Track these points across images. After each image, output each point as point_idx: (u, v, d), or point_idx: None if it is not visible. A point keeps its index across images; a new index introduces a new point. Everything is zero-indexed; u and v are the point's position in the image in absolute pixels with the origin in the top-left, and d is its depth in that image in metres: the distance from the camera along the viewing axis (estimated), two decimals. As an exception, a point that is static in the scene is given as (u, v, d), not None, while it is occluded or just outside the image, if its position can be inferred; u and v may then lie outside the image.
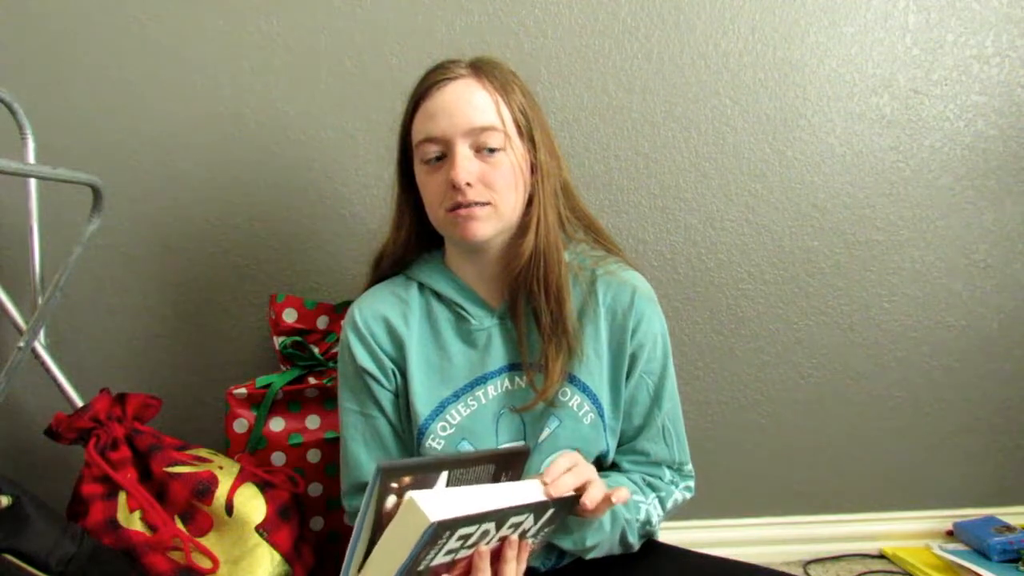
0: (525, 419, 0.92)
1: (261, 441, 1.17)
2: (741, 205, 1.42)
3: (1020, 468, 1.54)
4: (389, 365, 0.93)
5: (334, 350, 1.24)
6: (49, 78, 1.26)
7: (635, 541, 0.91)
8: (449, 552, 0.67)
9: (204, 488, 1.02)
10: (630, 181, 1.40)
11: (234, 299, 1.33)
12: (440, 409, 0.91)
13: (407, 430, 0.94)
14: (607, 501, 0.77)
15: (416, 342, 0.93)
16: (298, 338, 1.23)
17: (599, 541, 0.86)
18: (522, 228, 0.90)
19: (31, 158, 1.16)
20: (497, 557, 0.73)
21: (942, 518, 1.52)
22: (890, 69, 1.43)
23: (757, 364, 1.47)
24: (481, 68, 0.89)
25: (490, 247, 0.92)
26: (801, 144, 1.43)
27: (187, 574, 0.97)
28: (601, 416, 0.92)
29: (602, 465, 0.96)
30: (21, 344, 1.11)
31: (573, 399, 0.91)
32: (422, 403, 0.91)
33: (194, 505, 1.02)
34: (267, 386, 1.17)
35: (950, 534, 1.51)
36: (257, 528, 1.02)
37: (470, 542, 0.68)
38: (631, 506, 0.89)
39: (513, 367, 0.93)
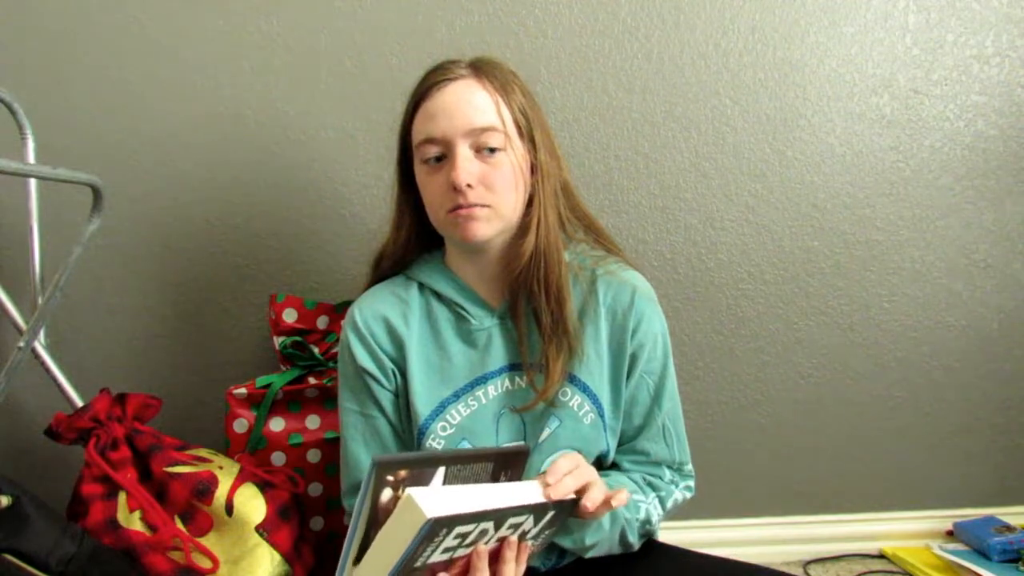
0: (525, 419, 0.92)
1: (261, 441, 1.17)
2: (741, 205, 1.42)
3: (1020, 468, 1.54)
4: (389, 365, 0.93)
5: (334, 350, 1.24)
6: (49, 78, 1.26)
7: (635, 540, 0.91)
8: (447, 550, 0.67)
9: (204, 488, 1.02)
10: (630, 181, 1.40)
11: (234, 299, 1.33)
12: (440, 409, 0.91)
13: (407, 430, 0.94)
14: (607, 503, 0.77)
15: (416, 342, 0.93)
16: (298, 338, 1.23)
17: (598, 540, 0.86)
18: (522, 228, 0.91)
19: (31, 158, 1.16)
20: (496, 557, 0.73)
21: (942, 518, 1.52)
22: (890, 69, 1.43)
23: (757, 364, 1.47)
24: (481, 68, 0.89)
25: (490, 247, 0.92)
26: (801, 144, 1.43)
27: (187, 574, 0.97)
28: (601, 416, 0.92)
29: (602, 465, 0.96)
30: (21, 344, 1.11)
31: (573, 399, 0.91)
32: (422, 403, 0.91)
33: (194, 505, 1.02)
34: (267, 386, 1.17)
35: (950, 534, 1.51)
36: (257, 528, 1.02)
37: (468, 540, 0.68)
38: (631, 505, 0.89)
39: (513, 367, 0.93)
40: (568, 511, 0.78)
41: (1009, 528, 1.43)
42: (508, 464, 0.77)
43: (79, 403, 1.15)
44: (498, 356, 0.93)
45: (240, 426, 1.17)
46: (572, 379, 0.91)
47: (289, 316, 1.24)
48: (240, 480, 1.05)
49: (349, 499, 0.96)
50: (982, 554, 1.40)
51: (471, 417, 0.91)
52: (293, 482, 1.12)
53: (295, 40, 1.30)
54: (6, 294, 1.17)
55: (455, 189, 0.85)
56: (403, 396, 0.93)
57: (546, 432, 0.91)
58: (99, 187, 1.04)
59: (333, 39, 1.31)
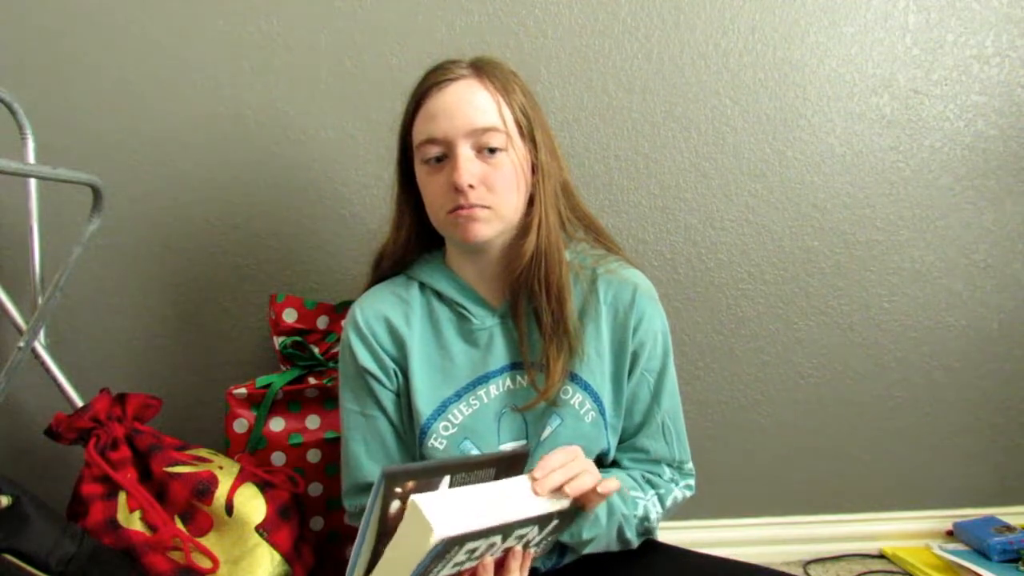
0: (527, 418, 0.92)
1: (261, 441, 1.17)
2: (741, 205, 1.43)
3: (1020, 468, 1.54)
4: (391, 365, 0.93)
5: (334, 350, 1.24)
6: (49, 78, 1.26)
7: (633, 538, 0.91)
8: (456, 564, 0.67)
9: (204, 488, 1.02)
10: (630, 181, 1.40)
11: (234, 299, 1.33)
12: (442, 409, 0.91)
13: (408, 430, 0.94)
14: (597, 493, 0.76)
15: (418, 342, 0.93)
16: (298, 338, 1.23)
17: (595, 535, 0.86)
18: (523, 228, 0.91)
19: (31, 158, 1.16)
20: (500, 566, 0.73)
21: (942, 518, 1.52)
22: (890, 69, 1.43)
23: (757, 364, 1.47)
24: (482, 68, 0.89)
25: (491, 247, 0.92)
26: (801, 144, 1.43)
27: (187, 574, 0.97)
28: (602, 414, 0.92)
29: (603, 463, 0.97)
30: (21, 344, 1.11)
31: (575, 397, 0.91)
32: (424, 403, 0.91)
33: (194, 505, 1.02)
34: (267, 386, 1.17)
35: (950, 534, 1.51)
36: (257, 528, 1.02)
37: (476, 554, 0.68)
38: (629, 502, 0.89)
39: (515, 366, 0.93)
40: (571, 518, 0.78)
41: (1009, 528, 1.43)
42: (510, 467, 0.77)
43: (79, 403, 1.15)
44: (499, 355, 0.93)
45: (240, 426, 1.17)
46: (573, 378, 0.91)
47: (289, 316, 1.24)
48: (240, 480, 1.05)
49: (350, 499, 0.96)
50: (982, 554, 1.40)
51: (473, 416, 0.91)
52: (293, 482, 1.12)
53: (295, 40, 1.30)
54: (6, 294, 1.17)
55: (456, 189, 0.85)
56: (405, 396, 0.93)
57: (548, 431, 0.91)
58: (99, 187, 1.04)
59: (333, 39, 1.31)
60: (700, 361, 1.46)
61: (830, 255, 1.46)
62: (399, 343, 0.93)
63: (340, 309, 1.26)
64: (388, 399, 0.94)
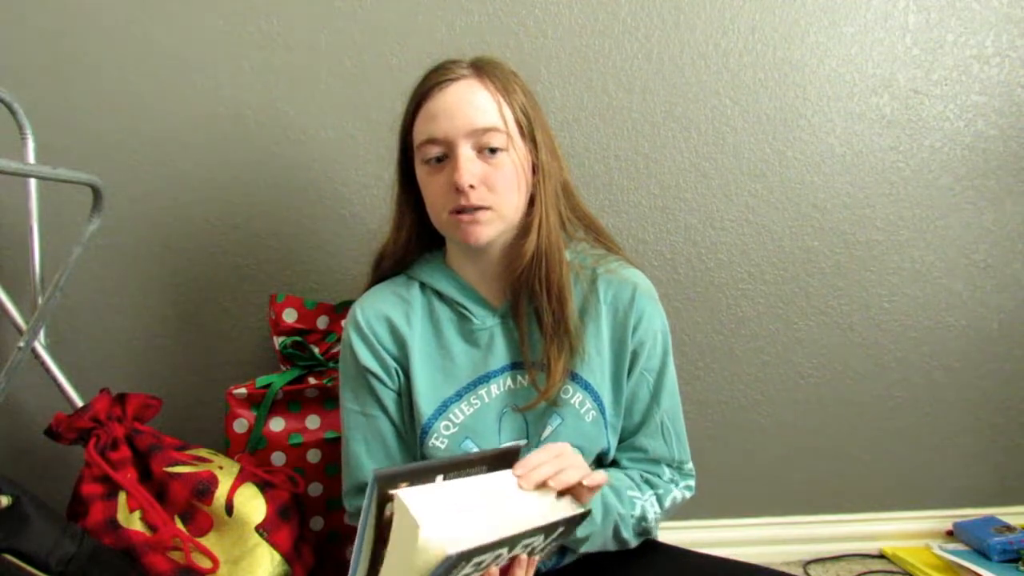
0: (528, 417, 0.92)
1: (261, 441, 1.17)
2: (741, 205, 1.43)
3: (1020, 468, 1.54)
4: (392, 364, 0.93)
5: (334, 350, 1.24)
6: (49, 78, 1.26)
7: (630, 537, 0.91)
8: None
9: (204, 488, 1.02)
10: (630, 181, 1.40)
11: (234, 299, 1.33)
12: (443, 408, 0.91)
13: (409, 430, 0.94)
14: (584, 487, 0.76)
15: (419, 341, 0.93)
16: (298, 338, 1.23)
17: (590, 533, 0.86)
18: (524, 228, 0.91)
19: (31, 158, 1.16)
20: (505, 573, 0.73)
21: (942, 518, 1.52)
22: (890, 69, 1.43)
23: (757, 364, 1.47)
24: (483, 68, 0.89)
25: (492, 247, 0.92)
26: (801, 144, 1.43)
27: (187, 574, 0.97)
28: (603, 413, 0.92)
29: (603, 462, 0.97)
30: (21, 344, 1.11)
31: (575, 397, 0.91)
32: (425, 402, 0.91)
33: (194, 505, 1.02)
34: (267, 386, 1.17)
35: (950, 534, 1.51)
36: (257, 528, 1.02)
37: (483, 565, 0.68)
38: (626, 502, 0.89)
39: (515, 366, 0.93)
40: (576, 525, 0.78)
41: (1009, 528, 1.43)
42: (504, 463, 0.77)
43: (79, 403, 1.15)
44: (500, 355, 0.93)
45: (240, 426, 1.17)
46: (574, 377, 0.91)
47: (289, 316, 1.24)
48: (240, 480, 1.05)
49: (350, 499, 0.96)
50: (982, 554, 1.40)
51: (474, 416, 0.91)
52: (293, 482, 1.12)
53: (295, 40, 1.30)
54: (6, 294, 1.17)
55: (457, 190, 0.85)
56: (406, 395, 0.93)
57: (548, 430, 0.91)
58: (99, 187, 1.04)
59: (333, 39, 1.31)
60: (700, 361, 1.46)
61: (830, 255, 1.46)
62: (400, 342, 0.93)
63: (340, 309, 1.26)
64: (389, 398, 0.94)
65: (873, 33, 1.42)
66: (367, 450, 0.94)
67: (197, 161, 1.30)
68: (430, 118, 0.87)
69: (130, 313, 1.31)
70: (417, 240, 0.98)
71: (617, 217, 1.40)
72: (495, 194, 0.87)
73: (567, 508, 0.75)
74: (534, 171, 0.91)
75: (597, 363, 0.92)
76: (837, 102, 1.42)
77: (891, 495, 1.52)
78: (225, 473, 1.05)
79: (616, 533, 0.89)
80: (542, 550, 0.77)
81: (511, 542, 0.68)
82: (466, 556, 0.62)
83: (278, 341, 1.23)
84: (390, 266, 0.99)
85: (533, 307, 0.91)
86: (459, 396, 0.92)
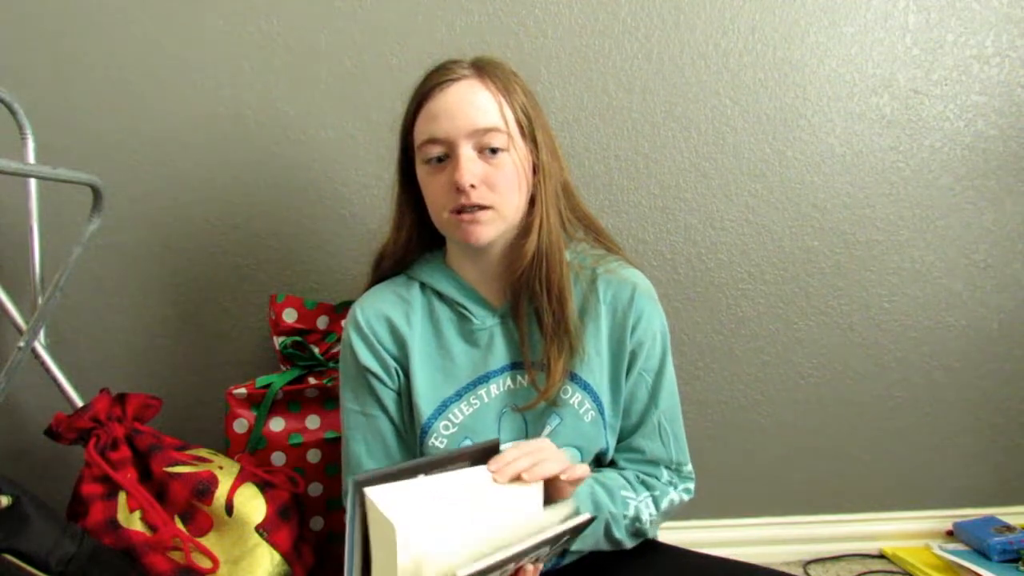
0: (527, 417, 0.92)
1: (261, 441, 1.17)
2: (741, 205, 1.43)
3: (1020, 468, 1.54)
4: (392, 364, 0.93)
5: (334, 350, 1.24)
6: (49, 78, 1.26)
7: (623, 538, 0.91)
8: None
9: (204, 488, 1.02)
10: (630, 181, 1.40)
11: (234, 299, 1.33)
12: (443, 408, 0.91)
13: (409, 430, 0.94)
14: (562, 481, 0.76)
15: (419, 341, 0.93)
16: (298, 338, 1.23)
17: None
18: (524, 229, 0.91)
19: (31, 158, 1.16)
20: None
21: (942, 518, 1.52)
22: (890, 69, 1.43)
23: (757, 364, 1.47)
24: (484, 69, 0.89)
25: (492, 248, 0.92)
26: (801, 144, 1.43)
27: (187, 574, 0.97)
28: (601, 414, 0.92)
29: (602, 463, 0.97)
30: (21, 344, 1.11)
31: (574, 397, 0.91)
32: (425, 402, 0.91)
33: (194, 505, 1.02)
34: (267, 386, 1.17)
35: (950, 534, 1.51)
36: (257, 528, 1.02)
37: None
38: (618, 502, 0.89)
39: (515, 366, 0.93)
40: (581, 531, 0.78)
41: (1009, 528, 1.43)
42: (484, 460, 0.77)
43: (79, 403, 1.15)
44: (500, 355, 0.93)
45: (240, 426, 1.17)
46: (573, 377, 0.91)
47: (289, 316, 1.24)
48: (240, 480, 1.05)
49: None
50: (982, 554, 1.40)
51: (473, 416, 0.91)
52: (293, 482, 1.12)
53: (295, 40, 1.30)
54: (6, 294, 1.17)
55: (458, 189, 0.85)
56: (405, 395, 0.93)
57: (547, 430, 0.91)
58: (99, 187, 1.04)
59: (333, 39, 1.31)
60: (700, 361, 1.46)
61: (830, 255, 1.46)
62: (400, 342, 0.93)
63: (340, 309, 1.26)
64: (389, 398, 0.94)
65: (873, 33, 1.42)
66: (367, 450, 0.94)
67: (197, 161, 1.30)
68: (431, 118, 0.87)
69: (130, 313, 1.31)
70: (417, 240, 0.98)
71: (617, 217, 1.40)
72: (496, 194, 0.87)
73: (575, 516, 0.75)
74: (535, 171, 0.91)
75: (596, 363, 0.92)
76: (837, 102, 1.42)
77: (891, 495, 1.52)
78: (225, 473, 1.05)
79: (608, 533, 0.89)
80: (547, 555, 0.77)
81: (519, 557, 0.68)
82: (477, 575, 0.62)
83: (278, 341, 1.23)
84: (390, 266, 0.99)
85: (533, 307, 0.91)
86: (459, 396, 0.92)
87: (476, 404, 0.92)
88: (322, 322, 1.25)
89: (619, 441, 0.96)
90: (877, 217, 1.46)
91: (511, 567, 0.69)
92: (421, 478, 0.71)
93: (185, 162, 1.30)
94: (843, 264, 1.46)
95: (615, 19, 1.37)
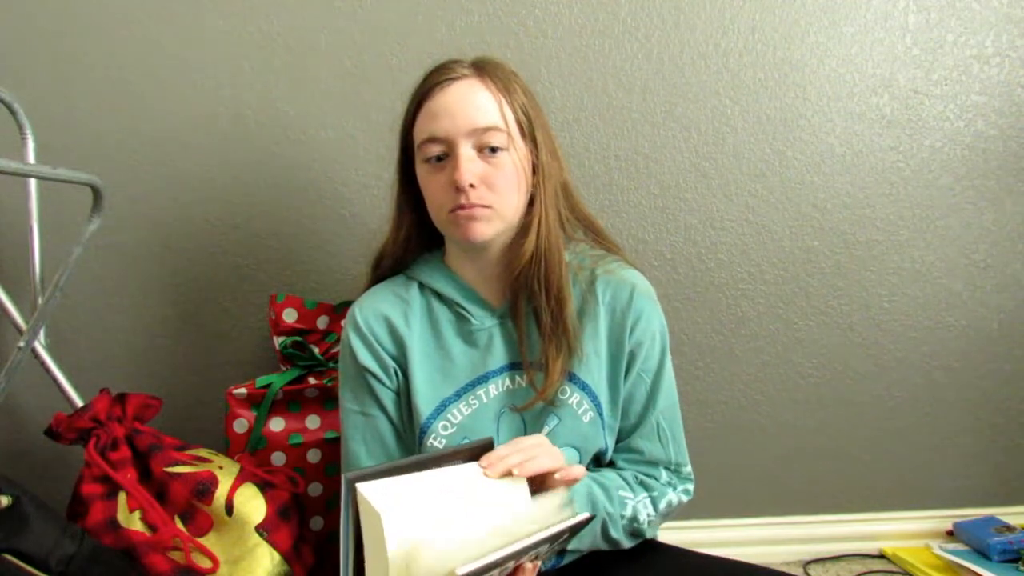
0: (525, 417, 0.92)
1: (261, 441, 1.17)
2: (741, 205, 1.43)
3: (1020, 468, 1.54)
4: (391, 364, 0.93)
5: (334, 350, 1.24)
6: (49, 78, 1.26)
7: (621, 537, 0.91)
8: None
9: (204, 488, 1.02)
10: (630, 181, 1.40)
11: (234, 299, 1.33)
12: (441, 408, 0.91)
13: (408, 430, 0.94)
14: (556, 479, 0.76)
15: (417, 341, 0.93)
16: (298, 338, 1.23)
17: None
18: (523, 228, 0.91)
19: (31, 158, 1.16)
20: None
21: (942, 518, 1.52)
22: (890, 69, 1.43)
23: (757, 364, 1.47)
24: (484, 68, 0.90)
25: (491, 247, 0.92)
26: (801, 144, 1.43)
27: (187, 574, 0.97)
28: (600, 414, 0.92)
29: (601, 463, 0.97)
30: (21, 344, 1.11)
31: (572, 397, 0.91)
32: (424, 402, 0.91)
33: (194, 505, 1.02)
34: (267, 386, 1.18)
35: (950, 534, 1.51)
36: (257, 528, 1.02)
37: None
38: (615, 501, 0.89)
39: (514, 366, 0.93)
40: (580, 530, 0.78)
41: (1009, 528, 1.43)
42: (477, 459, 0.77)
43: (79, 403, 1.15)
44: (499, 355, 0.93)
45: (240, 426, 1.17)
46: (571, 377, 0.91)
47: (289, 316, 1.24)
48: (240, 480, 1.05)
49: (349, 499, 0.96)
50: (982, 554, 1.40)
51: (472, 416, 0.91)
52: (293, 482, 1.12)
53: (295, 40, 1.30)
54: (6, 294, 1.17)
55: (457, 188, 0.85)
56: (404, 395, 0.93)
57: (546, 430, 0.91)
58: (99, 187, 1.04)
59: (333, 39, 1.31)
60: (700, 361, 1.46)
61: (830, 255, 1.46)
62: (399, 343, 0.93)
63: (340, 309, 1.26)
64: (388, 398, 0.94)
65: (873, 33, 1.42)
66: (366, 450, 0.94)
67: (197, 161, 1.30)
68: (431, 117, 0.88)
69: (130, 313, 1.31)
70: (417, 240, 0.98)
71: (617, 217, 1.40)
72: (495, 193, 0.87)
73: (575, 515, 0.75)
74: (534, 171, 0.91)
75: (595, 364, 0.92)
76: (837, 102, 1.42)
77: (891, 495, 1.52)
78: (225, 473, 1.05)
79: (605, 532, 0.89)
80: (546, 553, 0.77)
81: (519, 555, 0.68)
82: (476, 573, 0.62)
83: (278, 341, 1.23)
84: (389, 266, 0.99)
85: (532, 307, 0.91)
86: (458, 396, 0.92)
87: (475, 404, 0.92)
88: (322, 322, 1.25)
89: (618, 441, 0.96)
90: (877, 217, 1.46)
91: (511, 565, 0.69)
92: (413, 475, 0.71)
93: (185, 162, 1.30)
94: (843, 264, 1.46)
95: (615, 19, 1.37)
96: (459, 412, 0.91)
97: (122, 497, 1.02)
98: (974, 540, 1.43)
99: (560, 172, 0.94)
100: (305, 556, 1.08)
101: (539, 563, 0.77)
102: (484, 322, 0.94)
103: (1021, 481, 1.55)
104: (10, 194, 1.24)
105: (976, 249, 1.49)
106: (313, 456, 1.19)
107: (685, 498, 0.97)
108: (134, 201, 1.29)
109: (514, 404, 0.92)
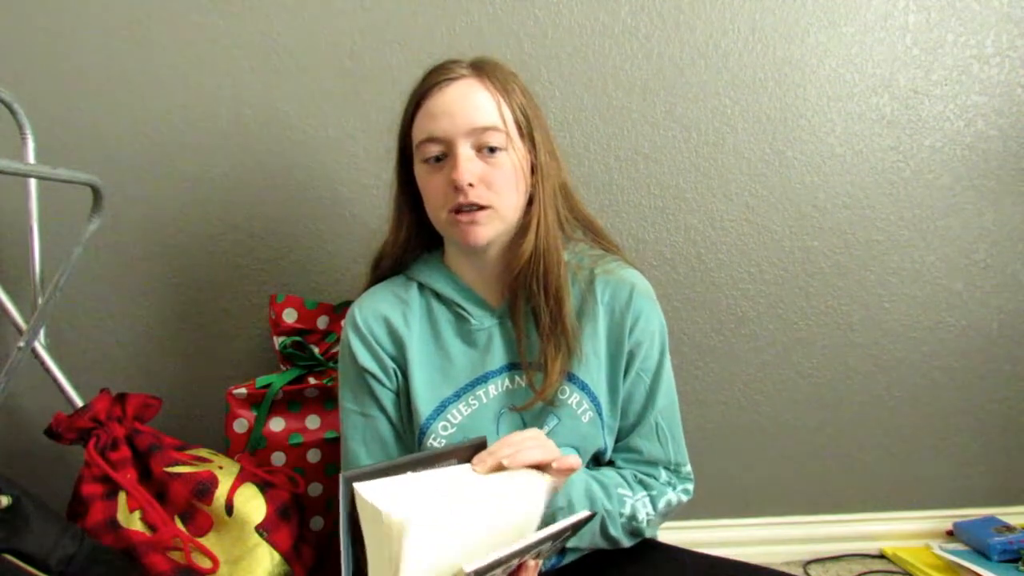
0: (525, 418, 0.92)
1: (261, 441, 1.17)
2: (741, 205, 1.42)
3: (1020, 468, 1.54)
4: (390, 364, 0.93)
5: (334, 350, 1.24)
6: (49, 78, 1.26)
7: (620, 535, 0.91)
8: None
9: (204, 488, 1.02)
10: (630, 181, 1.40)
11: (234, 299, 1.33)
12: (441, 408, 0.91)
13: (408, 430, 0.94)
14: (553, 468, 0.76)
15: (417, 342, 0.93)
16: (298, 338, 1.23)
17: None
18: (522, 229, 0.91)
19: (31, 158, 1.16)
20: None
21: (942, 518, 1.52)
22: (890, 69, 1.43)
23: (757, 364, 1.47)
24: (483, 68, 0.90)
25: (490, 248, 0.92)
26: (801, 144, 1.43)
27: (187, 574, 0.97)
28: (599, 414, 0.92)
29: (600, 463, 0.97)
30: (21, 344, 1.11)
31: (572, 397, 0.91)
32: (423, 402, 0.91)
33: (194, 505, 1.02)
34: (267, 386, 1.18)
35: (950, 534, 1.51)
36: (257, 528, 1.02)
37: None
38: (614, 498, 0.89)
39: (513, 366, 0.93)
40: (581, 527, 0.78)
41: (1009, 528, 1.43)
42: (471, 458, 0.77)
43: (79, 403, 1.15)
44: (498, 356, 0.93)
45: (240, 426, 1.18)
46: (571, 378, 0.91)
47: (289, 316, 1.24)
48: (240, 480, 1.05)
49: (349, 499, 0.96)
50: (982, 554, 1.40)
51: (472, 416, 0.91)
52: (293, 482, 1.12)
53: (295, 40, 1.30)
54: (6, 294, 1.17)
55: (456, 188, 0.85)
56: (404, 396, 0.93)
57: (545, 430, 0.91)
58: (99, 187, 1.04)
59: (333, 39, 1.31)
60: (700, 361, 1.46)
61: (830, 255, 1.46)
62: (398, 343, 0.93)
63: (340, 309, 1.26)
64: (388, 399, 0.94)
65: (873, 33, 1.42)
66: (366, 450, 0.94)
67: (197, 161, 1.30)
68: (430, 117, 0.88)
69: (130, 313, 1.31)
70: (416, 240, 0.98)
71: (617, 217, 1.40)
72: (494, 193, 0.87)
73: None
74: (533, 171, 0.91)
75: (594, 364, 0.92)
76: (837, 102, 1.42)
77: (891, 495, 1.52)
78: (225, 473, 1.05)
79: (604, 530, 0.89)
80: (548, 551, 0.77)
81: (522, 552, 0.68)
82: (482, 571, 0.62)
83: (278, 341, 1.23)
84: (389, 266, 0.99)
85: (531, 307, 0.91)
86: (457, 396, 0.92)
87: (475, 405, 0.92)
88: (322, 322, 1.25)
89: (617, 441, 0.96)
90: (877, 217, 1.46)
91: (515, 563, 0.69)
92: (409, 474, 0.71)
93: (185, 162, 1.30)
94: (843, 264, 1.46)
95: (615, 19, 1.36)
96: (459, 412, 0.91)
97: (122, 497, 1.02)
98: (974, 540, 1.43)
99: (559, 172, 0.94)
100: (305, 556, 1.08)
101: (540, 561, 0.77)
102: (483, 322, 0.94)
103: (1021, 481, 1.55)
104: (10, 194, 1.24)
105: (976, 249, 1.49)
106: (313, 456, 1.19)
107: (685, 498, 0.97)
108: (134, 201, 1.29)
109: (514, 404, 0.92)
